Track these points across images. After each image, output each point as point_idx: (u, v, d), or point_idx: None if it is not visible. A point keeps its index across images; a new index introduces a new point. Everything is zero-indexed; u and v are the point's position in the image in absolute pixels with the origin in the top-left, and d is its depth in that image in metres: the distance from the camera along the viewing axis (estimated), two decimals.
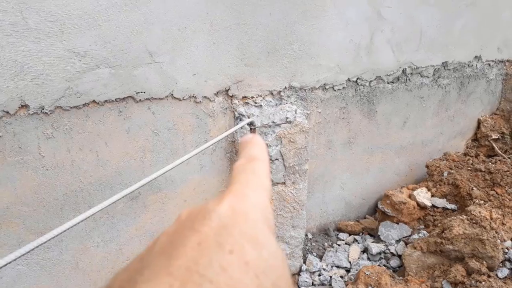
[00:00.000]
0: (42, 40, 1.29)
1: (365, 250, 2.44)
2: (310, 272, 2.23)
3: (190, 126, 1.78)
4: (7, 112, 1.32)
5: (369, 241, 2.50)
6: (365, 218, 2.87)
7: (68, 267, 1.67)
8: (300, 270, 2.24)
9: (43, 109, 1.37)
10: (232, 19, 1.68)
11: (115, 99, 1.52)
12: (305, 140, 1.86)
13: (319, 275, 2.22)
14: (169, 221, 1.90)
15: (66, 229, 0.79)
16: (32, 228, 1.51)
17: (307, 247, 2.46)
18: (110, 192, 1.66)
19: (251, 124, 1.77)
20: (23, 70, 1.29)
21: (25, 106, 1.34)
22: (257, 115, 1.85)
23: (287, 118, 1.79)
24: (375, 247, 2.35)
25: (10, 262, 0.64)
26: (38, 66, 1.32)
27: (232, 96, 1.83)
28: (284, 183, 1.92)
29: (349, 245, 2.51)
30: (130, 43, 1.47)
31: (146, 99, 1.60)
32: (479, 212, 2.19)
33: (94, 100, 1.47)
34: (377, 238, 2.54)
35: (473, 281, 1.93)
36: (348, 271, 2.28)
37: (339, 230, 2.72)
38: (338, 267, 2.30)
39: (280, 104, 1.95)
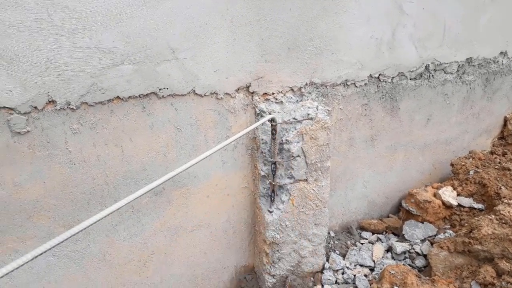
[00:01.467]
0: (67, 36, 1.28)
1: (389, 249, 2.33)
2: (333, 270, 2.14)
3: (212, 122, 1.74)
4: (35, 107, 1.32)
5: (393, 240, 2.39)
6: (388, 217, 2.75)
7: (95, 259, 1.66)
8: (323, 268, 2.15)
9: (69, 104, 1.37)
10: (252, 15, 1.64)
11: (139, 95, 1.50)
12: (326, 137, 1.79)
13: (343, 273, 2.13)
14: (192, 216, 1.87)
15: (94, 222, 0.75)
16: (61, 221, 1.51)
17: (330, 245, 2.37)
18: (135, 187, 1.64)
19: (272, 120, 1.72)
20: (49, 66, 1.29)
21: (52, 102, 1.34)
22: (278, 112, 1.80)
23: (308, 114, 1.73)
24: (400, 246, 2.23)
25: (41, 254, 0.60)
26: (64, 62, 1.31)
27: (253, 93, 1.78)
28: (306, 180, 1.85)
29: (373, 244, 2.41)
30: (153, 39, 1.45)
31: (169, 95, 1.57)
32: (509, 211, 2.04)
33: (118, 96, 1.45)
34: (401, 237, 2.42)
35: (503, 283, 1.79)
36: (372, 270, 2.18)
37: (362, 228, 2.61)
38: (361, 265, 2.20)
39: (301, 100, 1.89)
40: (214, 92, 1.68)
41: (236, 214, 2.03)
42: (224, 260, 2.11)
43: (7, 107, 1.27)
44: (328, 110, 1.85)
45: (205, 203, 1.88)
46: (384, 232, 2.55)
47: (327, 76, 1.94)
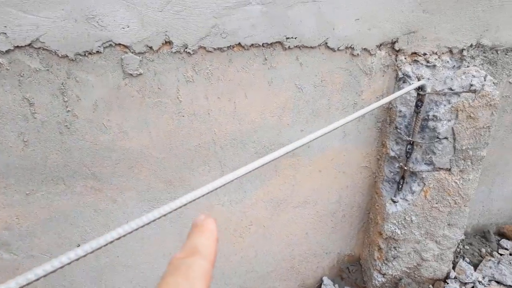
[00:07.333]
0: None
1: None
2: (460, 282, 1.94)
3: (340, 84, 1.59)
4: (151, 48, 1.30)
5: None
6: None
7: (191, 221, 1.69)
8: (447, 277, 1.96)
9: (186, 47, 1.33)
10: None
11: (262, 44, 1.40)
12: (490, 118, 1.53)
13: None
14: (298, 191, 1.79)
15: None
16: (162, 176, 1.54)
17: (458, 250, 2.15)
18: (242, 149, 1.60)
19: (420, 88, 1.51)
20: (171, 0, 1.24)
21: (168, 43, 1.31)
22: (428, 78, 1.57)
23: (471, 85, 1.48)
24: None
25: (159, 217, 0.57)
26: None
27: (398, 51, 1.57)
28: (450, 169, 1.63)
29: None
30: None
31: (296, 46, 1.45)
32: None
33: (239, 43, 1.37)
34: None
35: None
36: None
37: (502, 235, 2.32)
38: (499, 283, 1.96)
39: (459, 66, 1.63)
40: (350, 47, 1.51)
41: (349, 197, 1.91)
42: (327, 244, 2.03)
43: (123, 44, 1.27)
44: (494, 83, 1.56)
45: (316, 179, 1.79)
46: None
47: (502, 37, 1.63)
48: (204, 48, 1.35)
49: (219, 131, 1.52)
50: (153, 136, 1.45)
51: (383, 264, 1.89)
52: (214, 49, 1.36)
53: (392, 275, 1.91)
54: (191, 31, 1.30)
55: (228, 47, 1.37)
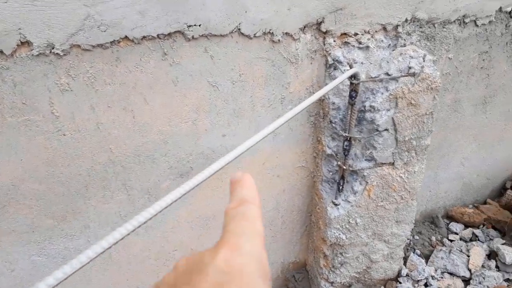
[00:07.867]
0: None
1: (491, 254, 1.95)
2: (413, 279, 1.81)
3: (263, 77, 1.36)
4: (1, 52, 0.98)
5: (497, 240, 2.00)
6: (485, 203, 2.35)
7: (98, 259, 1.40)
8: (399, 275, 1.83)
9: (53, 48, 1.02)
10: None
11: (157, 35, 1.12)
12: (432, 103, 1.36)
13: (426, 285, 1.80)
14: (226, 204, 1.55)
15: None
16: (49, 211, 1.23)
17: (408, 241, 2.03)
18: (152, 166, 1.32)
19: (353, 77, 1.30)
20: None
21: (26, 43, 0.99)
22: (362, 62, 1.37)
23: (409, 68, 1.29)
24: (510, 254, 1.84)
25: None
26: None
27: (325, 33, 1.35)
28: (393, 163, 1.46)
29: (466, 242, 2.04)
30: None
31: (202, 35, 1.18)
32: None
33: (126, 36, 1.08)
34: (509, 237, 2.03)
35: None
36: (466, 282, 1.83)
37: (450, 218, 2.23)
38: (452, 274, 1.85)
39: (395, 45, 1.44)
40: (269, 32, 1.27)
41: (287, 201, 1.70)
42: (268, 255, 1.81)
43: None
44: (434, 61, 1.40)
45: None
46: (482, 226, 2.16)
47: (438, 9, 1.46)
48: (79, 46, 1.05)
49: (117, 148, 1.23)
50: (26, 164, 1.14)
51: (330, 272, 1.71)
52: (93, 46, 1.06)
53: (341, 282, 1.74)
54: (56, 26, 1.00)
55: (111, 42, 1.08)
